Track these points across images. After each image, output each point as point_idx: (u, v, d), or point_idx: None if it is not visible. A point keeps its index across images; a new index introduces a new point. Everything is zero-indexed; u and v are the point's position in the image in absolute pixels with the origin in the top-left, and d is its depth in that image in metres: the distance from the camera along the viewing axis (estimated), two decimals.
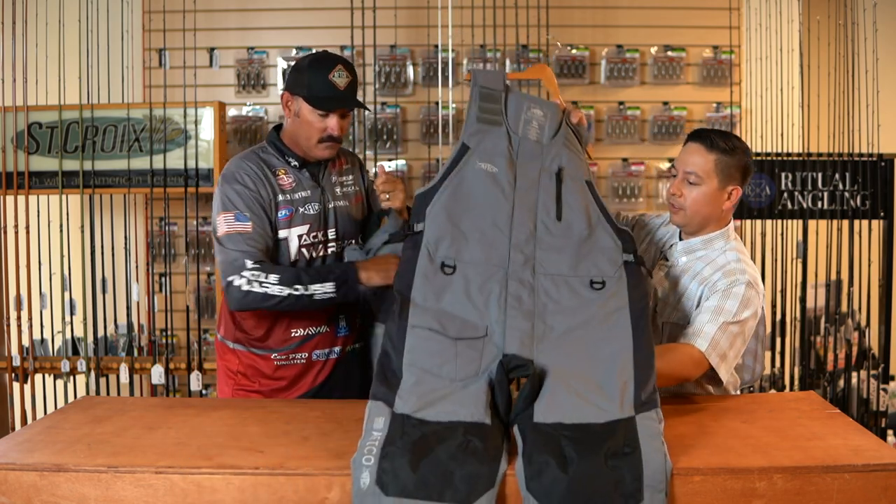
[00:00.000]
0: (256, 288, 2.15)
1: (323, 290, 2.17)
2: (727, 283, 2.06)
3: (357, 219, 2.46)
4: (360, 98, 3.80)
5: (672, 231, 2.27)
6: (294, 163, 2.34)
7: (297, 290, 2.16)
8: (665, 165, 3.92)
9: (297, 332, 2.36)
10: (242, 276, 2.16)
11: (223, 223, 2.23)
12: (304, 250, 2.32)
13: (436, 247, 1.97)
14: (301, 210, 2.32)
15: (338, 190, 2.41)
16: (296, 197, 2.32)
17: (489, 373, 1.78)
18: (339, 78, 2.25)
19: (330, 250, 2.37)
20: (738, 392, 2.25)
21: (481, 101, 2.20)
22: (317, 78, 2.25)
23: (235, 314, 2.36)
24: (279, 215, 2.29)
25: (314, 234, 2.34)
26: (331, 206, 2.38)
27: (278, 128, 2.39)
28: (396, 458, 1.55)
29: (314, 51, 2.41)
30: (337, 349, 2.41)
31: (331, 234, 2.37)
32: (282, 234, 2.29)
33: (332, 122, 2.27)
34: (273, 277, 2.15)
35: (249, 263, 2.17)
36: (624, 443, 1.60)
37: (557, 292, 1.93)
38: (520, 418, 1.68)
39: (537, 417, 1.67)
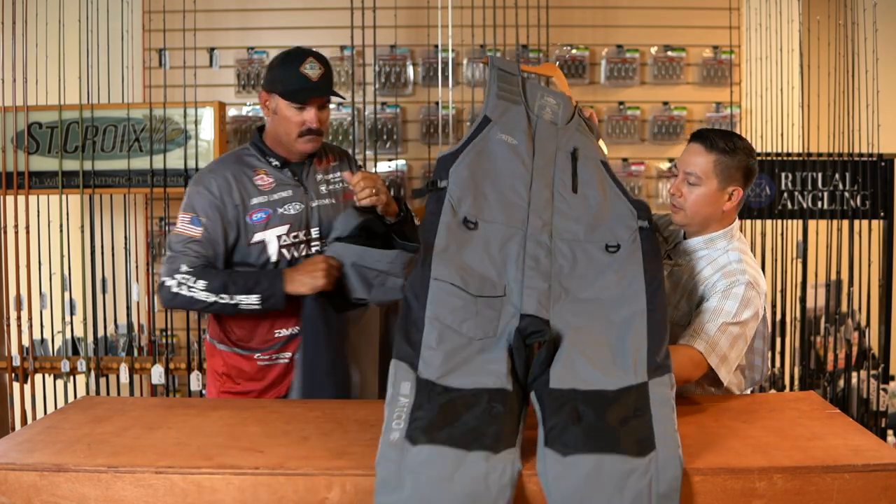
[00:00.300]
0: (185, 291, 2.19)
1: (248, 301, 2.19)
2: (727, 284, 2.06)
3: None
4: (360, 98, 3.83)
5: (678, 230, 2.27)
6: (275, 163, 2.35)
7: (222, 298, 2.18)
8: (665, 165, 3.92)
9: (280, 332, 2.36)
10: (174, 279, 2.20)
11: (179, 222, 2.27)
12: (284, 251, 2.32)
13: (459, 203, 2.00)
14: (280, 210, 2.31)
15: (322, 188, 2.40)
16: (275, 197, 2.32)
17: (507, 336, 1.80)
18: (312, 70, 2.27)
19: (314, 249, 2.37)
20: (748, 392, 2.25)
21: (500, 81, 2.24)
22: (289, 72, 2.27)
23: (224, 317, 2.36)
24: (254, 218, 2.29)
25: (295, 234, 2.33)
26: (314, 204, 2.37)
27: (262, 128, 2.40)
28: (425, 421, 1.60)
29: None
30: None
31: (314, 232, 2.37)
32: (258, 237, 2.29)
33: (310, 114, 2.28)
34: (201, 283, 2.18)
35: (184, 268, 2.20)
36: (635, 408, 1.64)
37: (573, 256, 1.97)
38: (537, 384, 1.72)
39: (553, 384, 1.70)
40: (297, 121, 2.28)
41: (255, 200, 2.30)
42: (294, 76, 2.26)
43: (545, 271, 1.93)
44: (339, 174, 2.45)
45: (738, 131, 3.87)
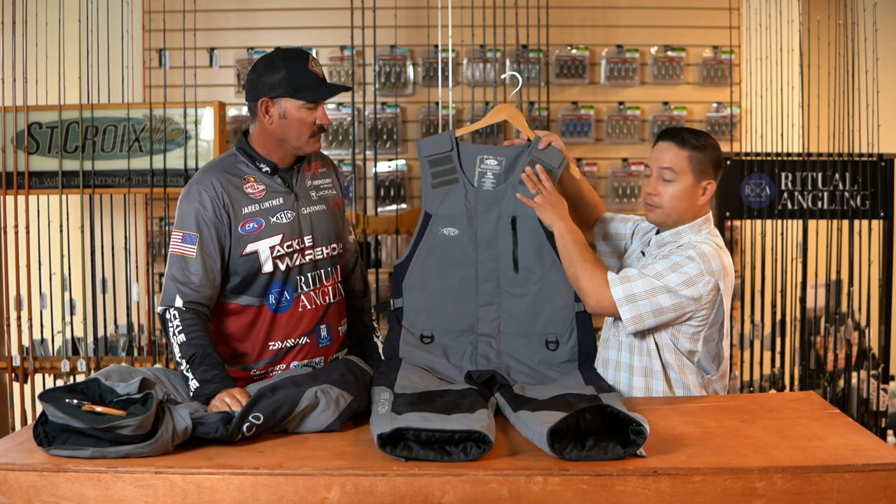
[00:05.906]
0: (169, 333, 2.15)
1: (191, 383, 2.07)
2: (671, 250, 2.15)
3: (335, 223, 2.39)
4: (360, 98, 3.83)
5: (653, 228, 2.32)
6: (266, 168, 2.27)
7: (182, 364, 2.10)
8: None
9: (274, 346, 2.29)
10: (168, 312, 2.16)
11: (173, 240, 2.22)
12: (278, 262, 2.25)
13: (414, 322, 2.36)
14: (272, 220, 2.25)
15: (313, 194, 2.34)
16: (266, 206, 2.25)
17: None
18: (317, 66, 2.24)
19: (308, 258, 2.30)
20: (725, 379, 2.25)
21: (431, 168, 2.41)
22: (298, 73, 2.20)
23: (215, 330, 2.30)
24: (246, 229, 2.23)
25: (289, 243, 2.26)
26: (305, 212, 2.30)
27: (247, 132, 2.32)
28: (407, 401, 1.92)
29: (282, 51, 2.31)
30: (318, 360, 2.34)
31: (307, 241, 2.29)
32: (250, 247, 2.22)
33: (321, 111, 2.23)
34: (181, 338, 2.12)
35: (178, 302, 2.16)
36: (588, 399, 1.96)
37: (519, 352, 2.32)
38: (500, 390, 2.08)
39: (515, 390, 2.08)
40: (310, 121, 2.21)
41: (246, 210, 2.23)
42: (306, 76, 2.20)
43: (496, 367, 2.27)
44: (328, 180, 2.40)
45: (738, 131, 3.89)
